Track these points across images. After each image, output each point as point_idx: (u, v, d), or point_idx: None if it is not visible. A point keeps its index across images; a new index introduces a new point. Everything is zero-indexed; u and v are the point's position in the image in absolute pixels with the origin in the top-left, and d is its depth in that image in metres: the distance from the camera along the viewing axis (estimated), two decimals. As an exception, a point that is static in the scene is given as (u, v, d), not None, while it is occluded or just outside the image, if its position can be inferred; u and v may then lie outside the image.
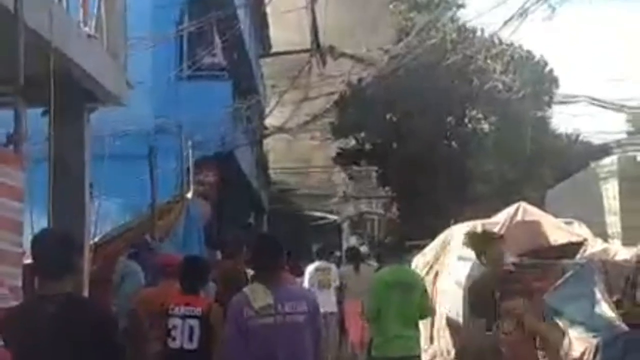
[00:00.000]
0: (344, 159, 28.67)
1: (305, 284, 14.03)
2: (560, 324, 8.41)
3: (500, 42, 24.78)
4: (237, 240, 10.03)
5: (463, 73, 24.13)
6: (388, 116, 25.88)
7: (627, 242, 14.34)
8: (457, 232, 12.89)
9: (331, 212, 39.77)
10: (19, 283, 4.79)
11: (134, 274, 9.17)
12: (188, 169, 12.08)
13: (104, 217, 10.73)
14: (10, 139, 5.26)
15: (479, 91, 24.53)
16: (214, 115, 16.03)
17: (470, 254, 11.50)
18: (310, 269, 14.70)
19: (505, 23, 14.86)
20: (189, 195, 11.67)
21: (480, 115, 24.85)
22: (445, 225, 15.08)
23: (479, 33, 25.84)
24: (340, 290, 14.91)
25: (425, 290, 8.66)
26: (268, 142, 31.01)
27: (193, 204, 11.52)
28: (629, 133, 29.81)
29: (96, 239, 10.60)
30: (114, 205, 12.03)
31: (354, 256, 15.50)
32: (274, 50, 29.54)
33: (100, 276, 9.83)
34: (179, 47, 17.38)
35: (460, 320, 10.85)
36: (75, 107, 9.34)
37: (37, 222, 5.66)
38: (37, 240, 4.32)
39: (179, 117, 14.42)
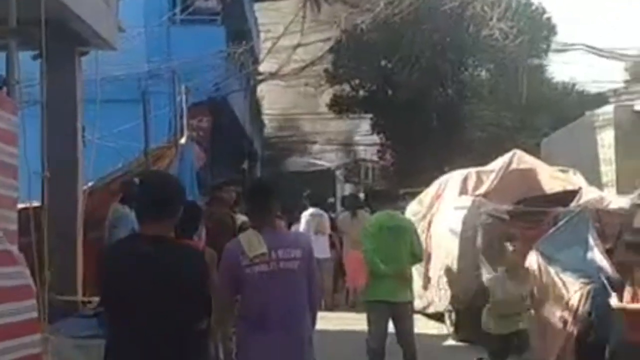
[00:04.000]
0: (339, 105, 28.58)
1: (302, 229, 14.07)
2: (551, 269, 8.49)
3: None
4: (228, 186, 9.99)
5: (460, 20, 23.88)
6: (383, 63, 25.71)
7: (621, 190, 14.40)
8: (451, 180, 12.92)
9: (325, 160, 39.75)
10: (15, 227, 4.76)
11: (126, 218, 9.13)
12: (181, 114, 11.97)
13: (96, 162, 10.67)
14: (2, 82, 5.16)
15: (475, 38, 24.31)
16: (207, 60, 15.87)
17: (465, 203, 11.55)
18: (306, 214, 14.72)
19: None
20: (183, 140, 11.58)
21: (476, 63, 24.67)
22: (440, 172, 15.11)
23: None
24: (338, 236, 14.98)
25: (417, 235, 8.68)
26: (262, 89, 30.81)
27: (187, 149, 11.44)
28: (626, 82, 29.66)
29: (90, 184, 10.56)
30: (107, 150, 11.95)
31: (352, 203, 15.51)
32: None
33: (94, 221, 9.83)
34: (172, -9, 17.18)
35: (455, 266, 10.94)
36: (67, 51, 9.24)
37: (29, 166, 5.59)
38: (140, 183, 4.35)
39: (172, 62, 14.27)
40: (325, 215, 15.25)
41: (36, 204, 6.83)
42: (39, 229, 5.81)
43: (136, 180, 4.38)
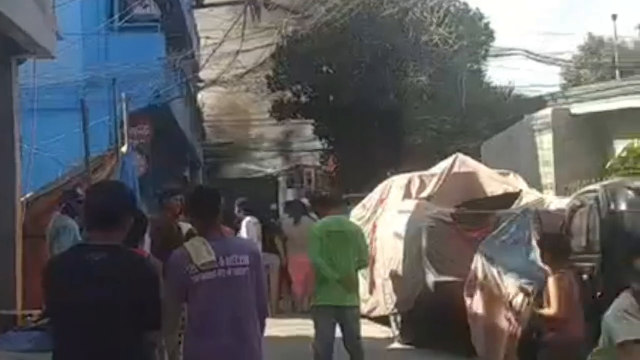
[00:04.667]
0: (280, 111, 28.55)
1: (245, 236, 13.96)
2: (494, 269, 8.60)
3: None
4: (170, 194, 9.86)
5: (400, 25, 24.09)
6: (324, 69, 25.78)
7: (560, 192, 14.69)
8: (395, 184, 13.01)
9: (267, 166, 39.69)
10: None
11: (69, 228, 8.97)
12: (121, 122, 11.81)
13: (35, 172, 10.46)
14: None
15: (415, 44, 24.54)
16: (147, 67, 15.69)
17: (409, 206, 11.63)
18: (249, 221, 14.61)
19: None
20: (124, 148, 11.42)
21: (416, 68, 24.89)
22: (382, 177, 15.19)
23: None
24: (282, 242, 14.89)
25: (364, 239, 8.70)
26: (203, 95, 30.64)
27: (128, 158, 11.29)
28: (562, 86, 30.34)
29: (28, 195, 10.34)
30: (46, 160, 11.74)
31: (296, 209, 15.44)
32: (206, 1, 29.04)
33: (34, 232, 9.62)
34: (109, -2, 16.95)
35: (400, 270, 11.00)
36: (2, 59, 9.05)
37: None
38: (90, 190, 4.37)
39: (111, 70, 14.07)
40: (258, 223, 15.09)
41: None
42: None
43: (78, 190, 4.32)
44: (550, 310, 6.72)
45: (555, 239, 7.69)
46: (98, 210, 3.99)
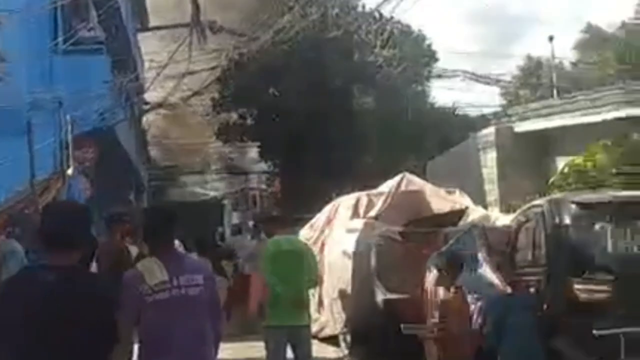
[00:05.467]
0: (226, 134, 28.51)
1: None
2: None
3: (381, 17, 25.09)
4: (119, 218, 9.77)
5: (345, 48, 24.31)
6: (270, 91, 25.85)
7: (504, 208, 14.94)
8: (342, 204, 13.08)
9: (213, 189, 39.48)
10: None
11: (17, 252, 8.81)
12: (67, 144, 11.68)
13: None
14: None
15: (360, 65, 24.78)
16: (92, 90, 15.53)
17: (357, 225, 11.70)
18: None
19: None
20: (69, 171, 11.31)
21: (362, 89, 25.13)
22: (329, 198, 15.26)
23: (360, 9, 26.12)
24: (233, 263, 14.90)
25: (314, 258, 8.73)
26: (148, 118, 30.41)
27: (74, 181, 11.18)
28: (503, 106, 30.94)
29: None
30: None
31: (239, 231, 15.51)
32: (152, 24, 28.93)
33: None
34: (53, 20, 16.72)
35: (349, 289, 11.03)
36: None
37: None
38: (47, 211, 4.24)
39: (55, 92, 13.89)
40: None
41: None
42: None
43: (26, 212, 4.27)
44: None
45: (452, 257, 7.91)
46: (55, 232, 3.94)
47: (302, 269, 8.18)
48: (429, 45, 28.11)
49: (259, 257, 12.10)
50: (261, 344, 8.46)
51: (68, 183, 10.93)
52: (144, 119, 29.95)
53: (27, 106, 14.27)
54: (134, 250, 9.86)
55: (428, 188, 12.98)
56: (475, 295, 8.17)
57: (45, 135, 12.10)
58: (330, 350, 11.84)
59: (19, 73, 13.51)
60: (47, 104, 13.64)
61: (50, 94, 13.91)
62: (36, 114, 12.96)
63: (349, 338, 11.39)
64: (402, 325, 8.41)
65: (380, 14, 24.78)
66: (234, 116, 27.59)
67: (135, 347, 4.88)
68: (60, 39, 16.48)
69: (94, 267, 8.01)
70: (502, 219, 10.88)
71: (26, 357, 3.75)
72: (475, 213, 11.90)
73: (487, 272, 8.55)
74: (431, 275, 8.69)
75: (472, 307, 8.09)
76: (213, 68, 22.75)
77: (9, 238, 9.15)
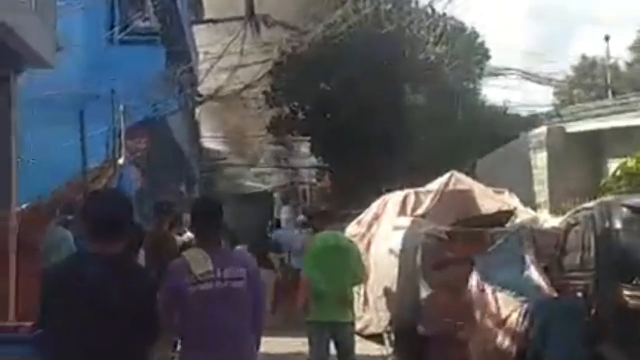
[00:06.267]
0: (278, 128, 28.58)
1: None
2: (488, 288, 8.61)
3: (434, 13, 24.92)
4: (168, 208, 9.88)
5: (397, 44, 24.18)
6: (322, 86, 25.83)
7: (554, 211, 14.73)
8: (390, 201, 13.03)
9: (264, 182, 39.64)
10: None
11: (68, 240, 8.96)
12: (120, 134, 11.85)
13: (32, 183, 10.48)
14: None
15: (412, 62, 24.63)
16: (146, 81, 15.71)
17: (404, 223, 11.64)
18: None
19: (441, -6, 14.92)
20: (121, 161, 11.46)
21: (413, 86, 24.98)
22: (378, 194, 15.21)
23: (413, 4, 25.95)
24: (279, 258, 14.97)
25: (360, 256, 8.72)
26: (201, 110, 30.64)
27: (125, 171, 11.33)
28: (556, 106, 30.51)
29: (24, 206, 10.34)
30: (43, 171, 11.74)
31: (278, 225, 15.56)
32: (207, 17, 29.14)
33: (29, 244, 9.60)
34: (110, 11, 16.97)
35: (394, 287, 10.99)
36: (2, 70, 9.07)
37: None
38: (90, 199, 4.32)
39: (110, 82, 14.08)
40: None
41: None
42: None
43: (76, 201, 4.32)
44: None
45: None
46: (99, 219, 3.96)
47: (347, 266, 8.18)
48: (482, 43, 27.83)
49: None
50: (305, 339, 8.49)
51: (119, 173, 11.08)
52: (197, 110, 30.20)
53: (83, 95, 14.52)
54: (181, 241, 9.98)
55: (477, 188, 12.85)
56: (522, 299, 8.09)
57: (98, 125, 12.27)
58: (374, 348, 11.81)
59: (74, 63, 13.72)
60: (101, 93, 13.84)
61: (104, 84, 14.12)
62: (90, 104, 13.15)
63: (393, 337, 11.35)
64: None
65: (434, 10, 24.63)
66: (286, 110, 27.64)
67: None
68: (116, 30, 16.72)
69: (141, 256, 8.12)
70: (552, 222, 10.73)
71: (72, 345, 3.79)
72: (523, 214, 11.75)
73: (534, 275, 8.44)
74: (476, 275, 8.65)
75: (515, 309, 8.01)
76: (265, 61, 22.84)
77: (61, 226, 9.30)
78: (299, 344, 10.51)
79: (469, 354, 8.35)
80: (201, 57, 25.36)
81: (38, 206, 10.81)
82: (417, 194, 12.65)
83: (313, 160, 31.82)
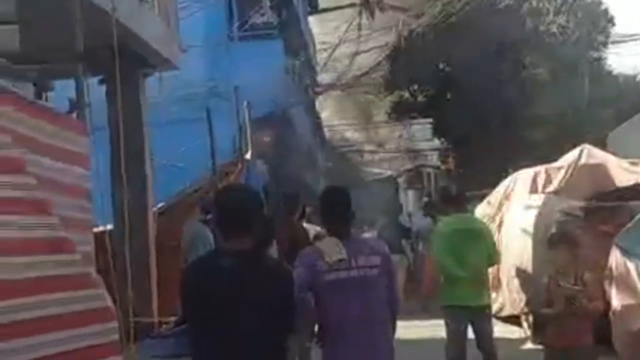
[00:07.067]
0: (398, 112, 28.42)
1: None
2: (631, 263, 8.23)
3: (553, -18, 24.13)
4: (296, 199, 9.97)
5: (517, 17, 23.55)
6: (441, 66, 25.50)
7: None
8: (520, 179, 12.71)
9: (387, 167, 39.55)
10: (90, 249, 4.78)
11: (206, 237, 9.16)
12: (245, 130, 12.03)
13: (165, 183, 10.79)
14: (73, 106, 5.23)
15: (533, 34, 23.93)
16: (267, 75, 15.92)
17: (536, 201, 11.33)
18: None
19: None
20: (248, 156, 11.64)
21: (535, 60, 24.26)
22: (504, 173, 14.89)
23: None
24: (410, 243, 14.94)
25: (492, 237, 8.53)
26: (321, 100, 30.81)
27: (253, 165, 11.50)
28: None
29: (159, 205, 10.65)
30: (173, 170, 12.08)
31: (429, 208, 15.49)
32: (321, 7, 29.31)
33: (167, 242, 9.90)
34: (228, 8, 17.30)
35: (528, 268, 10.72)
36: (131, 74, 9.36)
37: (98, 189, 5.65)
38: (222, 196, 4.40)
39: (232, 79, 14.34)
40: None
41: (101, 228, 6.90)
42: (110, 251, 5.84)
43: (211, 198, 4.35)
44: None
45: None
46: (230, 215, 4.02)
47: (479, 248, 8.03)
48: (605, 10, 26.69)
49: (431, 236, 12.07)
50: (438, 323, 8.41)
51: (247, 167, 11.25)
52: (317, 101, 30.40)
53: (206, 93, 14.88)
54: (313, 230, 10.04)
55: (610, 160, 12.31)
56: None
57: (224, 121, 12.50)
58: (511, 330, 11.60)
59: (197, 61, 14.05)
60: (224, 90, 14.13)
61: (227, 80, 14.40)
62: (215, 101, 13.46)
63: (531, 318, 11.08)
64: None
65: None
66: (406, 94, 27.44)
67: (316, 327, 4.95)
68: (235, 26, 17.03)
69: (273, 250, 8.23)
70: (694, 192, 10.17)
71: (211, 341, 3.86)
72: (662, 185, 11.19)
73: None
74: (617, 253, 8.29)
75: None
76: (383, 46, 22.73)
77: (202, 223, 9.49)
78: (432, 329, 10.46)
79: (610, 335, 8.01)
80: (318, 46, 25.51)
81: (173, 205, 11.12)
82: (547, 170, 12.26)
83: (436, 143, 31.48)
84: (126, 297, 5.86)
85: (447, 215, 8.59)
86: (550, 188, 11.79)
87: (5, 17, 5.62)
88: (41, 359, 3.83)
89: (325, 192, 5.45)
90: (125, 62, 7.79)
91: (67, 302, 4.05)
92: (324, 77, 25.00)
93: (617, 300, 8.45)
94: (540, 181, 12.05)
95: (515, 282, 11.22)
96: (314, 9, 27.43)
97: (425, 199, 18.44)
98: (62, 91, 5.47)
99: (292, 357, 6.51)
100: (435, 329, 9.63)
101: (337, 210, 4.99)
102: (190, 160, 12.26)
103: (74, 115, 5.21)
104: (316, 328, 4.99)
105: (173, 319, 7.84)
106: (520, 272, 11.00)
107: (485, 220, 11.53)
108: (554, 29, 23.95)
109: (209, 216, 9.23)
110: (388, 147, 37.68)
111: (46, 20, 6.25)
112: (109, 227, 8.05)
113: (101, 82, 8.41)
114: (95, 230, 5.85)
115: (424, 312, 13.65)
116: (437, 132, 28.82)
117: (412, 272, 14.79)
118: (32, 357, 3.77)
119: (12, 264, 3.75)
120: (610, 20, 27.08)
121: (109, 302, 4.45)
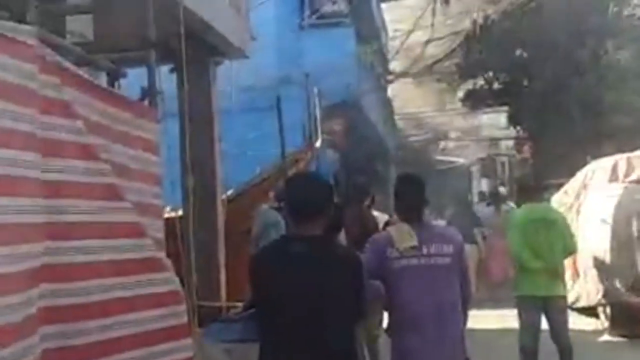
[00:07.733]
0: (472, 100, 27.99)
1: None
2: None
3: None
4: (366, 187, 9.91)
5: (599, 1, 22.91)
6: (517, 53, 25.00)
7: None
8: (599, 168, 12.37)
9: (459, 156, 39.15)
10: (161, 234, 4.82)
11: (278, 223, 9.18)
12: (315, 118, 12.00)
13: (235, 170, 10.85)
14: (144, 94, 5.26)
15: (615, 19, 23.25)
16: (338, 63, 15.86)
17: (616, 190, 11.00)
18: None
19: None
20: (318, 144, 11.61)
21: (617, 45, 23.55)
22: (582, 162, 14.50)
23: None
24: (480, 232, 14.77)
25: (568, 226, 8.30)
26: (393, 88, 30.62)
27: (322, 153, 11.46)
28: None
29: (229, 192, 10.71)
30: (243, 157, 12.15)
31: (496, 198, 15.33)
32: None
33: (236, 228, 9.95)
34: (299, -3, 17.33)
35: (608, 258, 10.43)
36: (202, 62, 9.45)
37: (170, 175, 5.69)
38: (290, 183, 4.45)
39: (303, 67, 14.34)
40: None
41: (171, 213, 6.95)
42: (180, 237, 5.90)
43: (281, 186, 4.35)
44: None
45: None
46: (300, 202, 4.01)
47: (554, 237, 7.82)
48: (694, -10, 25.75)
49: (500, 225, 11.88)
50: (506, 313, 8.24)
51: (317, 155, 11.23)
52: (389, 88, 30.20)
53: (277, 81, 14.90)
54: (382, 218, 9.96)
55: (697, 148, 11.88)
56: None
57: (294, 109, 12.48)
58: (587, 322, 11.31)
59: (268, 50, 14.08)
60: (295, 78, 14.13)
61: (298, 68, 14.40)
62: (285, 89, 13.46)
63: (609, 310, 10.79)
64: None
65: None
66: (480, 81, 27.01)
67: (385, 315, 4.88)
68: (305, 15, 17.01)
69: (342, 237, 8.17)
70: None
71: (279, 327, 3.84)
72: None
73: None
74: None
75: None
76: (456, 33, 22.40)
77: (274, 210, 9.51)
78: (504, 318, 10.27)
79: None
80: (390, 34, 25.30)
81: (242, 191, 11.17)
82: (628, 158, 11.88)
83: (511, 131, 30.94)
84: (192, 281, 5.90)
85: (522, 204, 8.41)
86: (632, 177, 11.43)
87: (81, 8, 5.69)
88: (112, 340, 3.90)
89: (399, 179, 5.40)
90: (195, 50, 7.86)
91: (138, 285, 4.13)
92: (396, 65, 24.77)
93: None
94: (621, 170, 11.70)
95: (592, 272, 10.94)
96: (387, -5, 27.22)
97: (502, 189, 18.15)
98: (135, 80, 5.49)
99: (359, 344, 6.47)
100: (504, 319, 9.46)
101: (409, 198, 4.94)
102: (260, 148, 12.30)
103: (146, 102, 5.24)
104: (385, 316, 4.93)
105: (240, 304, 7.86)
106: (598, 263, 10.72)
107: (561, 209, 11.25)
108: (638, 13, 23.27)
109: (282, 203, 9.21)
110: (462, 135, 37.27)
111: (119, 9, 6.32)
112: (180, 213, 8.11)
113: (172, 70, 8.47)
114: (167, 216, 5.90)
115: (492, 302, 13.44)
116: (513, 120, 28.29)
117: (484, 261, 14.60)
118: (102, 339, 3.83)
119: (88, 247, 3.82)
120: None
121: (178, 286, 4.49)
